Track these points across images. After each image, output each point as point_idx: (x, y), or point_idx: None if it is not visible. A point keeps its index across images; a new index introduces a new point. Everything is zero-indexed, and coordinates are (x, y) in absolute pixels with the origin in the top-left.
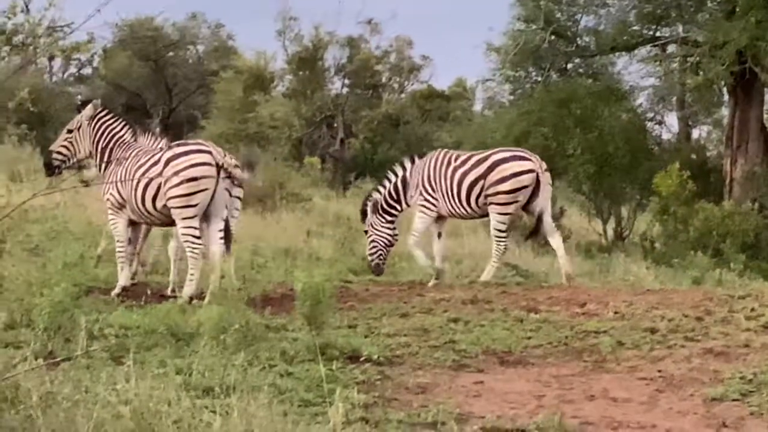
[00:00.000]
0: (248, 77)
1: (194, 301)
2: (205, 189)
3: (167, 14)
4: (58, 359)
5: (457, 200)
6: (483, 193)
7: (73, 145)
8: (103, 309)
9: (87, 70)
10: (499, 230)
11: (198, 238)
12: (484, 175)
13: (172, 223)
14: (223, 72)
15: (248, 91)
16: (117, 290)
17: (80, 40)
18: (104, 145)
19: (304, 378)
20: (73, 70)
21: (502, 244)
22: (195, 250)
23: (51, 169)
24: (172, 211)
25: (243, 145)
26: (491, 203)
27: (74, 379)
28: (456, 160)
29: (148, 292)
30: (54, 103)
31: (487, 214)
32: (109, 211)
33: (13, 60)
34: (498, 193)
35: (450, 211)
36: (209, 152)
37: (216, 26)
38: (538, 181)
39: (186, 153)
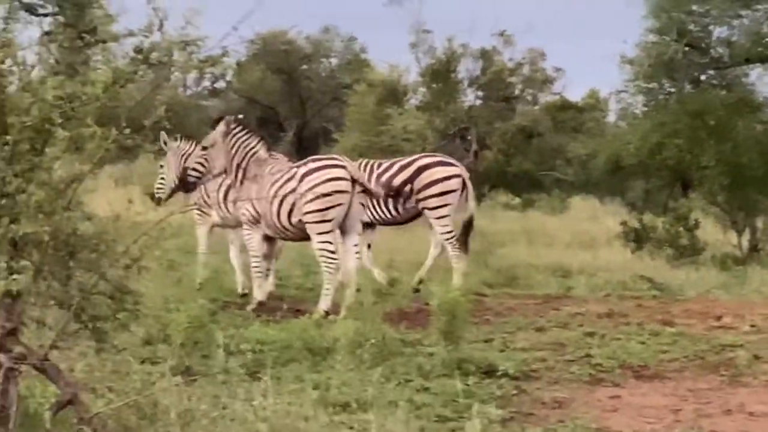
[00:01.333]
0: (381, 90)
1: (330, 316)
2: (340, 204)
3: (300, 27)
4: (196, 376)
5: (383, 206)
6: (413, 197)
7: (208, 161)
8: (239, 324)
9: (221, 84)
10: (446, 233)
11: (333, 252)
12: (410, 180)
13: (307, 238)
14: (356, 85)
15: (381, 104)
16: (253, 305)
17: (214, 54)
18: (239, 161)
19: (440, 393)
20: (207, 83)
21: (454, 244)
22: (330, 265)
23: (186, 186)
24: (307, 226)
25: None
26: (424, 209)
27: (212, 396)
28: (378, 167)
29: (284, 306)
30: (189, 117)
31: (409, 220)
32: (245, 227)
33: (148, 76)
34: (428, 197)
35: (374, 217)
36: (344, 167)
37: (349, 39)
38: (464, 187)
39: (320, 168)
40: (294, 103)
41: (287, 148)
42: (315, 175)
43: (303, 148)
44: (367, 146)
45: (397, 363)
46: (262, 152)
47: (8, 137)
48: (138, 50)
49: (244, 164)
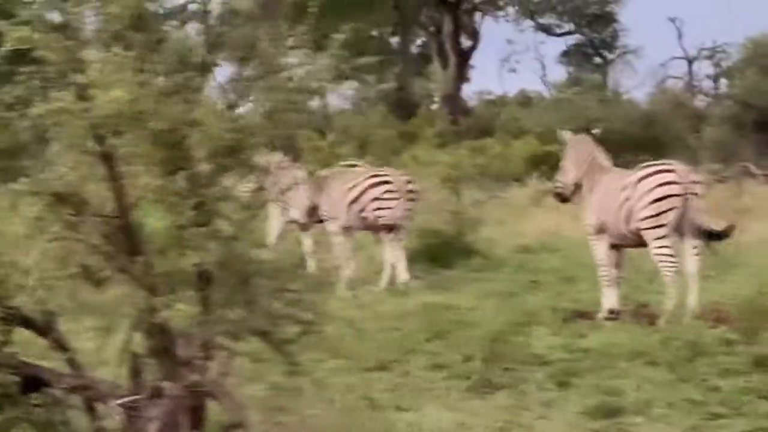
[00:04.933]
0: None
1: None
2: (673, 208)
3: None
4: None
5: None
6: None
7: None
8: (582, 334)
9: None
10: None
11: (672, 256)
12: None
13: (644, 245)
14: None
15: None
16: (603, 314)
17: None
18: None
19: (727, 391)
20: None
21: None
22: (670, 269)
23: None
24: (643, 232)
25: None
26: None
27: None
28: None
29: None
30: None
31: None
32: (590, 237)
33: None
34: None
35: None
36: (674, 171)
37: None
38: None
39: (651, 174)
40: None
41: None
42: (646, 181)
43: None
44: None
45: (701, 363)
46: (604, 162)
47: None
48: None
49: (587, 175)
